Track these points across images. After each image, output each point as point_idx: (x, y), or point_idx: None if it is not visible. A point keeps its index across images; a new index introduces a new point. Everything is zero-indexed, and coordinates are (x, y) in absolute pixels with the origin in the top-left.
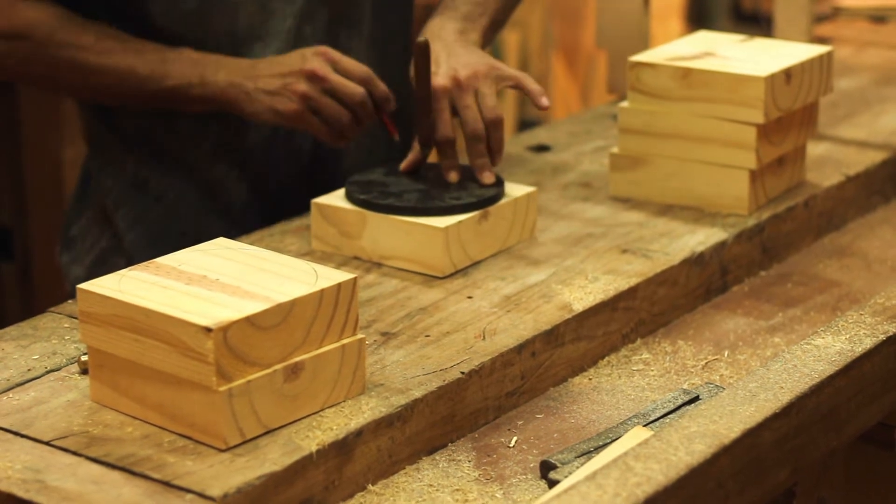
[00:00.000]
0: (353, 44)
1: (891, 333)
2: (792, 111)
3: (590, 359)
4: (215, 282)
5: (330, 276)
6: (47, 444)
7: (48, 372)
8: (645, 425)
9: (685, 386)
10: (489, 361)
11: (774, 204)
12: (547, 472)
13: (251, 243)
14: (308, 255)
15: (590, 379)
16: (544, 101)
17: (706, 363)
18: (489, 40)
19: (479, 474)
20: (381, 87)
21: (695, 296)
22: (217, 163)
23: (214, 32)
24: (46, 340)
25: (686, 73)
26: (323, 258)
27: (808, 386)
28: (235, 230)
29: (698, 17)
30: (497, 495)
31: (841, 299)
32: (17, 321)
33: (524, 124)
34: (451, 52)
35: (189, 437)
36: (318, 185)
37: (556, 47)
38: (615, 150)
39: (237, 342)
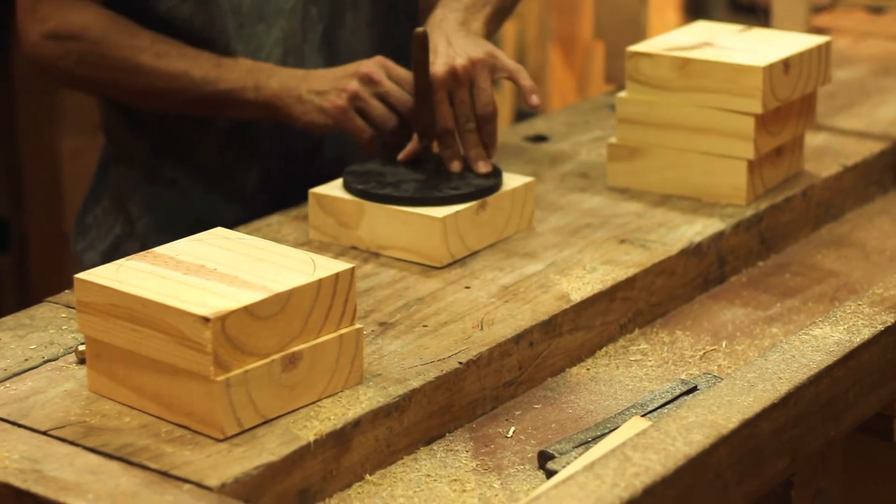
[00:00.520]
0: (356, 25)
1: (889, 324)
2: (790, 101)
3: (588, 349)
4: (213, 271)
5: (327, 266)
6: (45, 433)
7: (45, 362)
8: (643, 416)
9: (683, 376)
10: (487, 352)
11: (772, 194)
12: (545, 462)
13: (249, 233)
14: (306, 244)
15: (588, 369)
16: (535, 99)
17: (704, 353)
18: (492, 31)
19: (477, 464)
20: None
21: (693, 286)
22: (227, 148)
23: (220, 12)
24: (44, 330)
25: (684, 64)
26: (321, 248)
27: (806, 376)
28: (247, 216)
29: (696, 7)
30: (495, 485)
31: (839, 289)
32: (14, 312)
33: (522, 115)
34: (451, 42)
35: (186, 427)
36: (330, 170)
37: (554, 38)
38: (613, 140)
39: (235, 332)
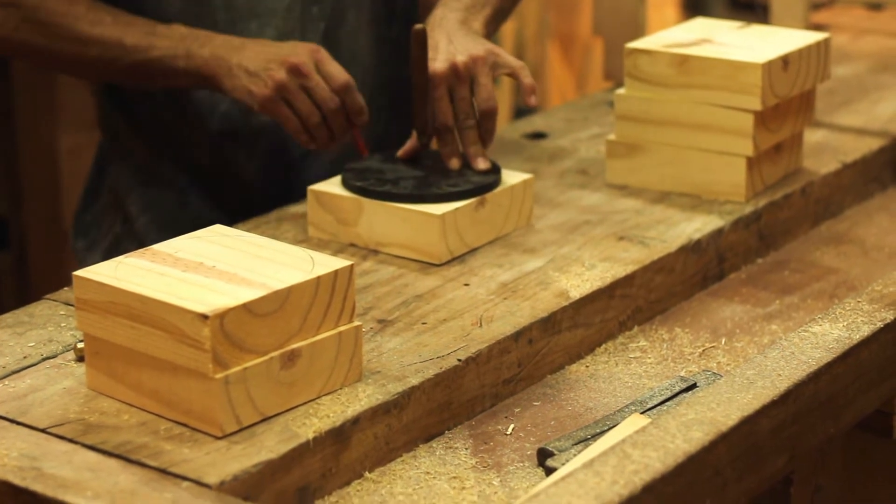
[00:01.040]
0: (357, 24)
1: (888, 321)
2: (789, 98)
3: (587, 346)
4: (212, 269)
5: (326, 264)
6: (43, 431)
7: (44, 359)
8: (642, 413)
9: (682, 373)
10: (486, 349)
11: (771, 191)
12: (544, 459)
13: (248, 230)
14: (304, 242)
15: (587, 366)
16: (533, 99)
17: (703, 350)
18: (492, 30)
19: (477, 462)
20: (358, 99)
21: (692, 283)
22: (225, 144)
23: (212, 8)
24: (42, 328)
25: (683, 60)
26: (319, 245)
27: (805, 373)
28: (244, 214)
29: (694, 4)
30: (494, 483)
31: (838, 286)
32: (13, 310)
33: (521, 111)
34: (451, 39)
35: (185, 425)
36: (328, 164)
37: (553, 35)
38: (612, 137)
39: (234, 329)
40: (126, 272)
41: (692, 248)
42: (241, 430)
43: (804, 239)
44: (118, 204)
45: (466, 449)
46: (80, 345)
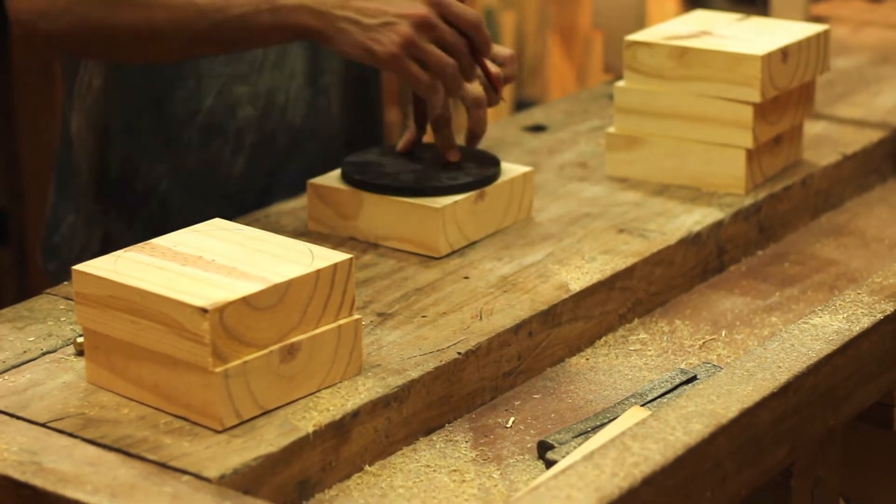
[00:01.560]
0: None
1: (888, 312)
2: (789, 90)
3: (587, 339)
4: (211, 262)
5: (326, 257)
6: (43, 425)
7: (44, 354)
8: (642, 405)
9: (683, 366)
10: (486, 342)
11: (771, 183)
12: (544, 452)
13: (247, 224)
14: (304, 235)
15: (587, 359)
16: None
17: (703, 343)
18: None
19: (477, 455)
20: (486, 33)
21: (692, 276)
22: (211, 141)
23: None
24: (42, 322)
25: (683, 53)
26: (319, 239)
27: (805, 365)
28: (233, 208)
29: None
30: (494, 476)
31: (838, 278)
32: (13, 304)
33: (520, 104)
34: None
35: (185, 419)
36: (314, 157)
37: (552, 28)
38: (612, 129)
39: (233, 323)
40: (125, 266)
41: (692, 241)
42: (240, 423)
43: (804, 231)
44: (95, 220)
45: (466, 442)
46: (80, 339)
